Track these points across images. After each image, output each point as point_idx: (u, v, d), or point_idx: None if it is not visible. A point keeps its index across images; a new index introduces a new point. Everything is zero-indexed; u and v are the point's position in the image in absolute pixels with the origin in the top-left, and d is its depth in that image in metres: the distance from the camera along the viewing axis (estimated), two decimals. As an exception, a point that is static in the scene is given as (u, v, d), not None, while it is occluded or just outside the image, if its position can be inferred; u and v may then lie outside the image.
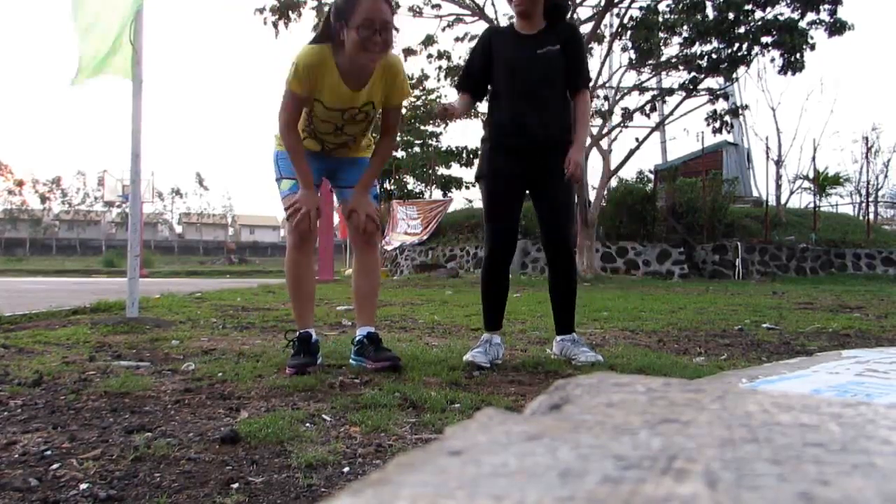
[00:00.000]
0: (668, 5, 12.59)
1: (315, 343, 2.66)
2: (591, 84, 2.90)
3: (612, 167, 13.49)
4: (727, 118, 13.72)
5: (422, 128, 21.61)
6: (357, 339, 2.70)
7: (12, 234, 45.62)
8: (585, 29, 11.89)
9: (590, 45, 13.06)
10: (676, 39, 12.89)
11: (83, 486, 1.28)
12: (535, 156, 2.80)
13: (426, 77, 18.22)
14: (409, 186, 22.23)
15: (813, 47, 11.51)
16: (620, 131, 15.01)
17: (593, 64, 16.03)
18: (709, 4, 12.02)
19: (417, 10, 13.75)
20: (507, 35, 2.93)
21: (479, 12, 13.16)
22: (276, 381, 2.29)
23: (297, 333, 2.65)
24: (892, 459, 0.31)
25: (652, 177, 18.62)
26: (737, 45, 12.08)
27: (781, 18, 11.60)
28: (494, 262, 2.88)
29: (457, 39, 14.72)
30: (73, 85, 3.93)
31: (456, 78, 15.44)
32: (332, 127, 2.66)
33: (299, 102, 2.56)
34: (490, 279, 2.91)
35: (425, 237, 16.27)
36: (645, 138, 13.40)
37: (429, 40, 14.55)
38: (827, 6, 11.49)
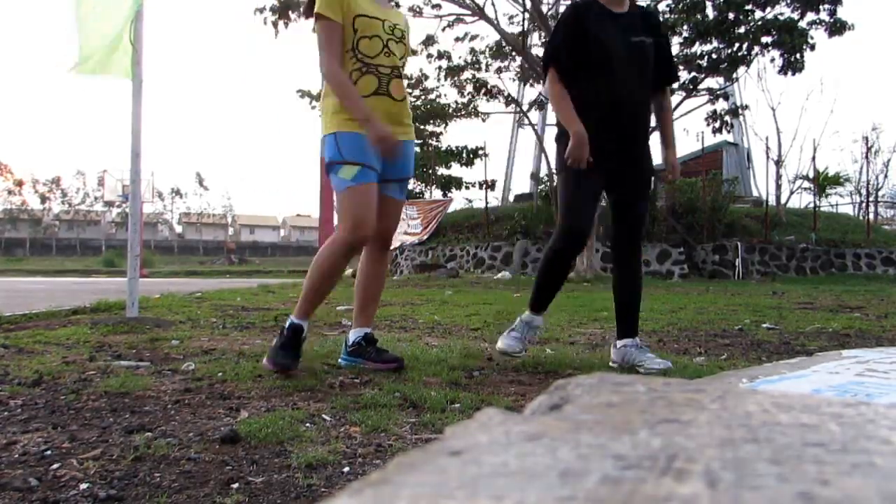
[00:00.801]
0: (668, 5, 12.59)
1: (303, 340, 2.51)
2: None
3: (612, 167, 13.46)
4: (727, 118, 13.72)
5: (422, 127, 21.61)
6: (354, 339, 2.64)
7: (12, 234, 45.64)
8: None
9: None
10: (676, 39, 12.89)
11: (83, 485, 1.28)
12: (624, 150, 2.66)
13: (426, 77, 18.22)
14: (410, 186, 22.22)
15: (813, 47, 11.52)
16: (620, 131, 14.98)
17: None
18: (709, 4, 12.02)
19: (417, 10, 13.75)
20: (595, 11, 2.66)
21: (479, 12, 13.16)
22: (276, 381, 2.29)
23: (290, 321, 2.48)
24: (892, 459, 0.31)
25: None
26: (737, 45, 12.08)
27: (781, 18, 11.60)
28: (562, 258, 2.74)
29: (457, 39, 14.73)
30: (70, 72, 3.89)
31: (456, 78, 15.47)
32: (380, 45, 2.48)
33: (336, 32, 2.44)
34: (554, 268, 2.75)
35: (425, 237, 16.27)
36: (645, 138, 13.38)
37: (429, 40, 14.56)
38: (827, 6, 11.49)
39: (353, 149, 2.42)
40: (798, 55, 11.52)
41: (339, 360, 2.67)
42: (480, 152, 22.58)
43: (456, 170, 23.86)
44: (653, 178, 2.78)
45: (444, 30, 14.33)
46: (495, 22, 12.68)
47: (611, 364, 2.73)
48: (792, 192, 19.16)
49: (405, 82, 2.61)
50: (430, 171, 21.36)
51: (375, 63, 2.47)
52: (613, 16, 2.65)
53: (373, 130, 2.39)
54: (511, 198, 20.48)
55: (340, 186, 2.46)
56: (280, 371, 2.34)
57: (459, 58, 14.86)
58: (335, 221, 15.45)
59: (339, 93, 2.43)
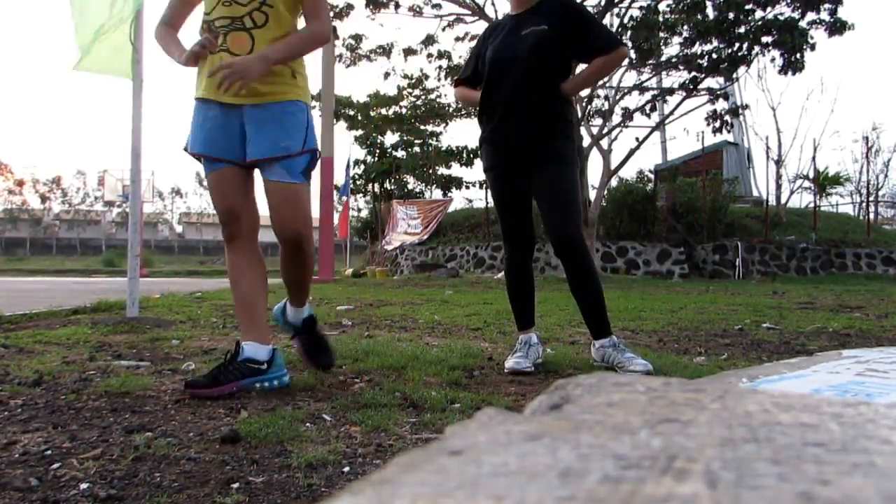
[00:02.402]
0: (668, 5, 12.59)
1: (248, 363, 2.10)
2: (619, 45, 2.63)
3: (613, 167, 13.50)
4: (727, 118, 13.72)
5: (422, 127, 21.62)
6: (304, 316, 2.46)
7: (13, 233, 45.66)
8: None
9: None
10: (677, 39, 12.90)
11: (83, 485, 1.28)
12: (522, 149, 2.66)
13: (426, 77, 18.25)
14: (409, 186, 22.26)
15: (813, 47, 11.52)
16: (620, 131, 15.02)
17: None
18: (709, 4, 12.02)
19: (417, 9, 13.75)
20: (500, 23, 2.86)
21: (479, 12, 13.16)
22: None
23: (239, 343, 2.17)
24: (892, 459, 0.31)
25: (652, 176, 18.63)
26: (737, 44, 12.07)
27: (782, 18, 11.60)
28: (512, 264, 2.81)
29: (457, 39, 14.74)
30: (74, 69, 3.91)
31: (456, 77, 15.50)
32: None
33: None
34: (511, 280, 2.83)
35: (425, 237, 16.28)
36: (645, 138, 13.41)
37: (429, 40, 14.56)
38: (827, 6, 11.49)
39: (194, 136, 2.19)
40: (798, 55, 11.52)
41: (275, 316, 2.54)
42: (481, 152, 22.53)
43: (456, 170, 23.91)
44: (562, 168, 2.63)
45: (444, 30, 14.35)
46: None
47: (592, 363, 2.70)
48: (792, 192, 19.18)
49: (269, 33, 2.14)
50: (430, 171, 21.35)
51: (212, 18, 2.16)
52: (510, 18, 2.77)
53: (187, 59, 2.13)
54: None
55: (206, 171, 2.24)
56: (192, 391, 2.01)
57: (460, 58, 14.86)
58: (335, 221, 15.31)
59: (158, 43, 2.25)
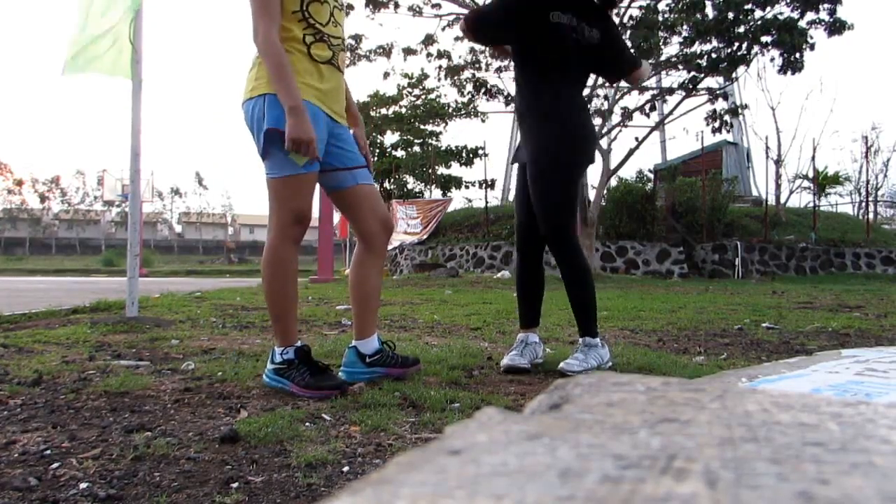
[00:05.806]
0: (667, 4, 12.58)
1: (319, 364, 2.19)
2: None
3: (612, 167, 13.50)
4: (727, 117, 13.72)
5: (422, 127, 21.60)
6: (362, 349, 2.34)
7: (12, 233, 45.67)
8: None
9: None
10: (676, 39, 12.88)
11: (83, 485, 1.28)
12: (524, 141, 2.62)
13: (426, 76, 18.23)
14: (409, 186, 22.25)
15: (813, 47, 11.52)
16: (620, 131, 15.00)
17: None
18: (708, 4, 12.01)
19: (417, 9, 13.74)
20: None
21: (478, 12, 13.13)
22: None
23: (285, 351, 2.16)
24: (891, 459, 0.31)
25: (651, 176, 18.64)
26: (736, 44, 12.07)
27: (781, 18, 11.59)
28: (521, 258, 2.77)
29: (457, 39, 14.71)
30: (63, 74, 3.88)
31: (456, 77, 15.48)
32: (328, 13, 2.20)
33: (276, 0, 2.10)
34: (520, 275, 2.78)
35: (425, 237, 16.28)
36: (644, 138, 13.41)
37: (429, 40, 14.54)
38: (827, 6, 11.49)
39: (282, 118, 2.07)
40: (798, 55, 11.52)
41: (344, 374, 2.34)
42: (480, 152, 22.58)
43: (456, 169, 23.93)
44: (544, 167, 2.54)
45: (443, 29, 14.32)
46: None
47: None
48: (791, 192, 19.23)
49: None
50: (430, 171, 21.35)
51: (326, 31, 2.20)
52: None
53: (298, 123, 2.02)
54: (511, 197, 20.51)
55: (272, 174, 2.13)
56: (336, 390, 2.08)
57: (459, 57, 14.86)
58: (334, 220, 15.28)
59: (273, 70, 2.04)
